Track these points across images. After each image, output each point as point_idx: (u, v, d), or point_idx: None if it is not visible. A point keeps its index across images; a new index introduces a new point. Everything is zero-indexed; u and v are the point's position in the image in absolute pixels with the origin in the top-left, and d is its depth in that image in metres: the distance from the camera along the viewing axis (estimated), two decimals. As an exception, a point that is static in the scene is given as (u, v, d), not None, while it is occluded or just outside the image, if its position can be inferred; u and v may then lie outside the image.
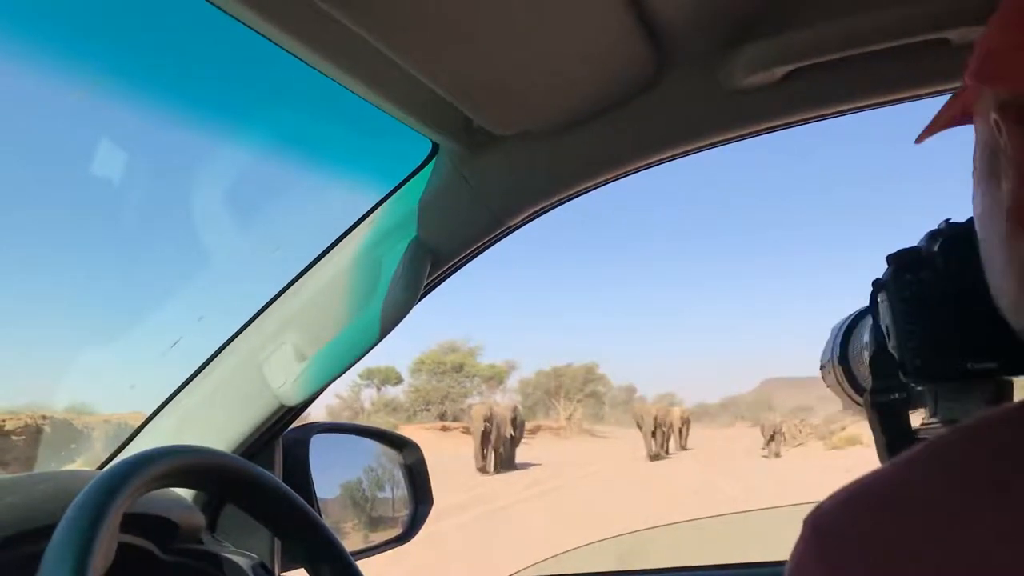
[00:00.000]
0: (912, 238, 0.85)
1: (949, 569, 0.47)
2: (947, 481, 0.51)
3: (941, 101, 0.71)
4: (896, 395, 0.84)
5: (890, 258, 0.84)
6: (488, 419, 29.38)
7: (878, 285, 0.85)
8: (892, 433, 0.85)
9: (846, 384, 0.98)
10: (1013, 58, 0.55)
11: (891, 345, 0.83)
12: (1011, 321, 0.60)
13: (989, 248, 0.62)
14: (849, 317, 1.00)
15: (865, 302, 1.02)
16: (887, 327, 0.84)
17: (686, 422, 38.77)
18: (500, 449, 30.15)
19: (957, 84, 1.00)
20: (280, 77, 1.24)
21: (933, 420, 0.85)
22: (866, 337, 0.91)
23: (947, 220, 0.82)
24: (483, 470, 28.41)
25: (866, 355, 0.90)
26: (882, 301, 0.85)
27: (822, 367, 1.05)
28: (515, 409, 32.84)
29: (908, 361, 0.81)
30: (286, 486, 1.06)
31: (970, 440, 0.53)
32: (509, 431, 30.96)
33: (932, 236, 0.82)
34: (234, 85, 1.45)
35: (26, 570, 0.76)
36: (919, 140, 0.75)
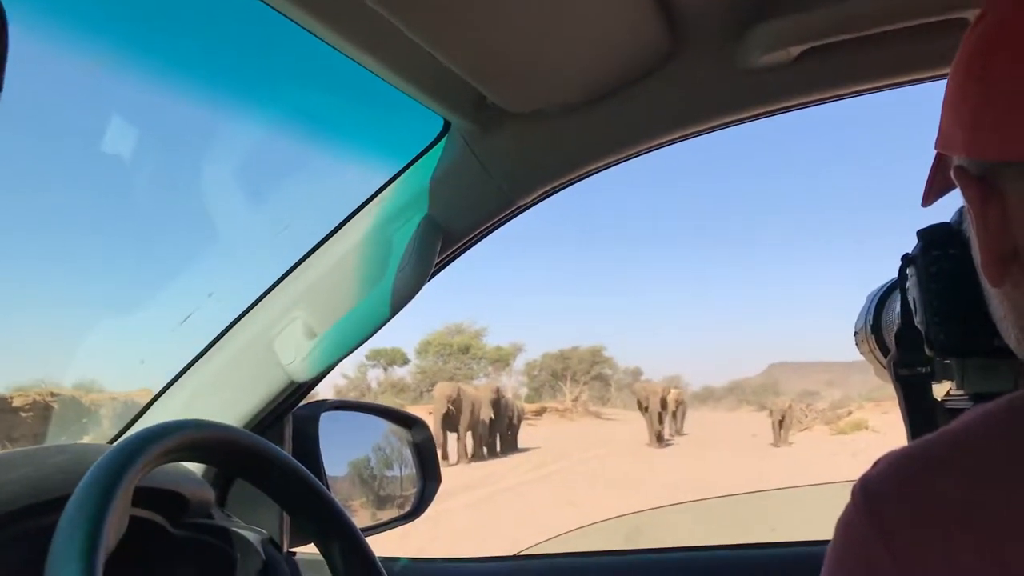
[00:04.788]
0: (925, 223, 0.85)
1: (1000, 533, 0.48)
2: (999, 447, 0.52)
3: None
4: (921, 369, 0.84)
5: (920, 233, 0.83)
6: (453, 400, 26.55)
7: (907, 259, 0.85)
8: (915, 406, 0.85)
9: (878, 352, 0.98)
10: (955, 129, 0.61)
11: (918, 319, 0.83)
12: (1020, 356, 0.63)
13: (985, 290, 0.66)
14: (884, 286, 0.99)
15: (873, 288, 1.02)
16: (914, 301, 0.84)
17: (680, 404, 36.96)
18: (472, 434, 27.79)
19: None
20: (291, 52, 1.23)
21: (959, 393, 0.85)
22: (897, 308, 0.91)
23: None
24: (449, 460, 25.53)
25: (896, 326, 0.90)
26: (911, 276, 0.84)
27: (856, 333, 1.05)
28: (497, 391, 30.50)
29: (934, 336, 0.81)
30: (296, 462, 1.06)
31: (1021, 411, 0.53)
32: (489, 415, 28.29)
33: (963, 212, 0.82)
34: (245, 60, 1.45)
35: (39, 542, 0.76)
36: (925, 204, 0.77)
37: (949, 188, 0.73)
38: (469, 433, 27.60)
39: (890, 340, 0.95)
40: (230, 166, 1.81)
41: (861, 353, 1.04)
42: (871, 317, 0.99)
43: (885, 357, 0.96)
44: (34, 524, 0.92)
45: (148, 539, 1.09)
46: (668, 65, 1.17)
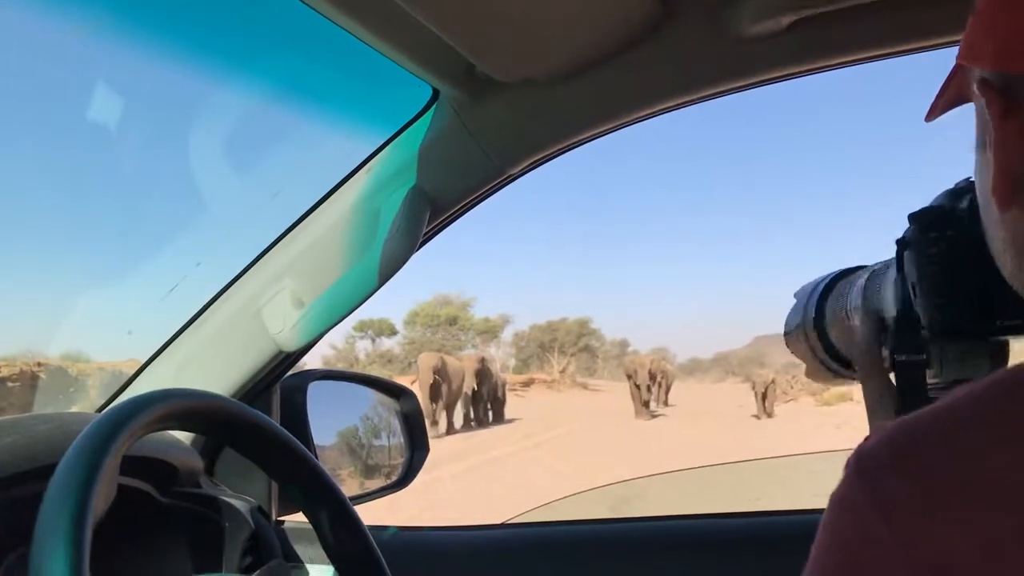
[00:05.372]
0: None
1: (996, 507, 0.48)
2: (990, 422, 0.52)
3: (950, 52, 0.71)
4: (918, 356, 0.84)
5: (913, 216, 0.83)
6: (438, 371, 25.59)
7: (903, 243, 0.85)
8: (908, 393, 0.85)
9: (819, 350, 0.98)
10: (985, 40, 0.59)
11: (917, 304, 0.83)
12: (1016, 289, 0.61)
13: (986, 218, 0.64)
14: (823, 280, 0.99)
15: (847, 262, 1.01)
16: (913, 285, 0.84)
17: (664, 375, 35.93)
18: (458, 404, 27.32)
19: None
20: (279, 19, 1.22)
21: (937, 381, 0.85)
22: (853, 299, 0.90)
23: (968, 179, 0.82)
24: (436, 431, 24.32)
25: (848, 317, 0.89)
26: (908, 260, 0.84)
27: (788, 334, 1.04)
28: (482, 360, 29.42)
29: (936, 319, 0.81)
30: (285, 430, 1.06)
31: (1010, 385, 0.54)
32: (472, 385, 27.58)
33: (955, 194, 0.81)
34: (233, 27, 1.43)
35: (27, 510, 0.76)
36: (928, 118, 0.75)
37: (957, 103, 0.71)
38: (455, 403, 27.24)
39: (834, 334, 0.95)
40: (218, 135, 1.79)
41: (793, 352, 1.04)
42: (812, 312, 0.99)
43: (828, 353, 0.96)
44: (21, 492, 0.92)
45: (136, 507, 1.09)
46: (658, 34, 1.16)
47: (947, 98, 0.71)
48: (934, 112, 0.74)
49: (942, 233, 0.81)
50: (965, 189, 0.81)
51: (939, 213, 0.82)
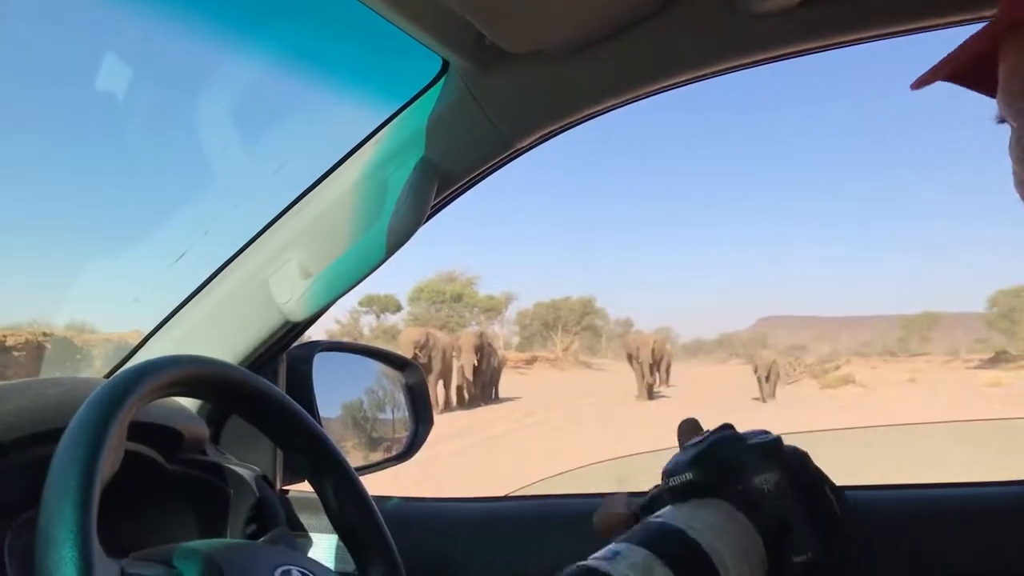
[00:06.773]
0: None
1: None
2: None
3: (966, 31, 0.69)
4: None
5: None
6: (421, 347, 24.94)
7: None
8: None
9: None
10: None
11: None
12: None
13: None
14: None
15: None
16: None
17: (663, 355, 34.38)
18: (445, 382, 26.49)
19: (985, 12, 0.97)
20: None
21: None
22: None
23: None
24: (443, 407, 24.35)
25: None
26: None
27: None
28: (481, 335, 28.83)
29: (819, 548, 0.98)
30: (291, 400, 1.07)
31: None
32: (472, 361, 26.92)
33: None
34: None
35: (35, 473, 0.76)
36: (917, 86, 0.72)
37: (960, 73, 0.68)
38: (445, 381, 26.85)
39: None
40: (226, 103, 1.79)
41: None
42: None
43: None
44: (30, 456, 0.92)
45: (142, 474, 1.10)
46: (669, 8, 1.15)
47: (956, 64, 0.68)
48: (925, 80, 0.71)
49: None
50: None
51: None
